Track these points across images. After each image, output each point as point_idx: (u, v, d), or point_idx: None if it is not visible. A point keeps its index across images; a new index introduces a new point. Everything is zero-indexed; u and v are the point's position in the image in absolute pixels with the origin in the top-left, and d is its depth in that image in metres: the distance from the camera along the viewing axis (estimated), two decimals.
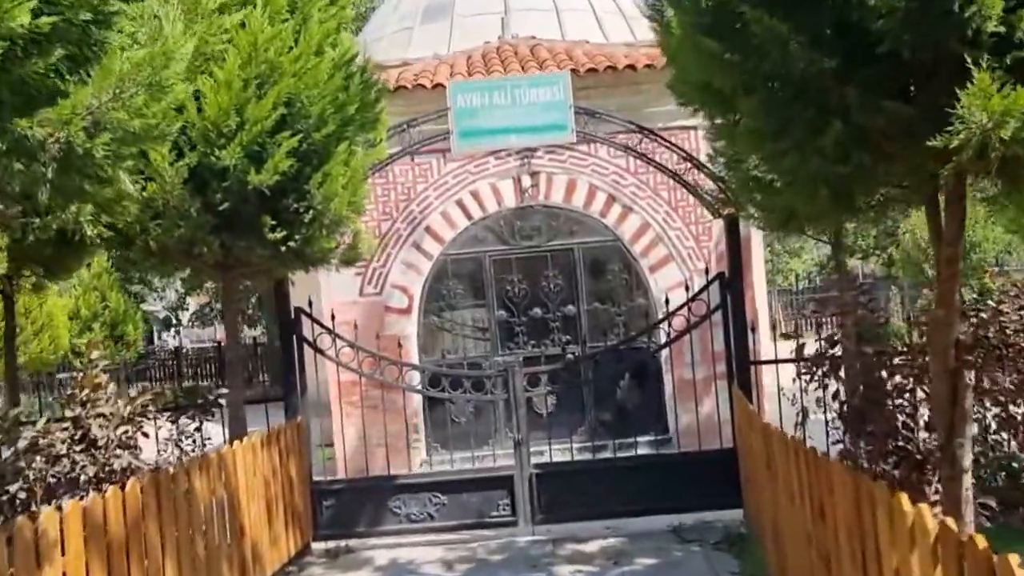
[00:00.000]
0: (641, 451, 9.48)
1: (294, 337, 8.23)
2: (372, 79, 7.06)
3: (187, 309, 23.83)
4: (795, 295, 26.95)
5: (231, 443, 6.82)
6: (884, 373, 7.00)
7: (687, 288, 8.74)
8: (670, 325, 8.28)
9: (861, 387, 6.91)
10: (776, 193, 5.04)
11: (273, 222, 6.67)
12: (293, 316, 8.20)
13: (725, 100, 4.61)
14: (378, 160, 7.60)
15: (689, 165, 8.33)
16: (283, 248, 6.70)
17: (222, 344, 22.44)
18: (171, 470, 5.64)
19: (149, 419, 6.95)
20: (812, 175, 4.10)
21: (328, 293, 11.59)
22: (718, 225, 11.46)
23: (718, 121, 5.26)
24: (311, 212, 6.63)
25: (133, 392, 9.10)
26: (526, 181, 11.52)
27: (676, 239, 11.57)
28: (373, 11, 20.26)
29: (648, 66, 11.17)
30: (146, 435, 6.88)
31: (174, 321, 22.77)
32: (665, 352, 10.18)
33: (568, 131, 7.93)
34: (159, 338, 27.36)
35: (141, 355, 20.49)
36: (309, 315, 8.42)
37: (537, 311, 11.62)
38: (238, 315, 7.49)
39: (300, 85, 6.44)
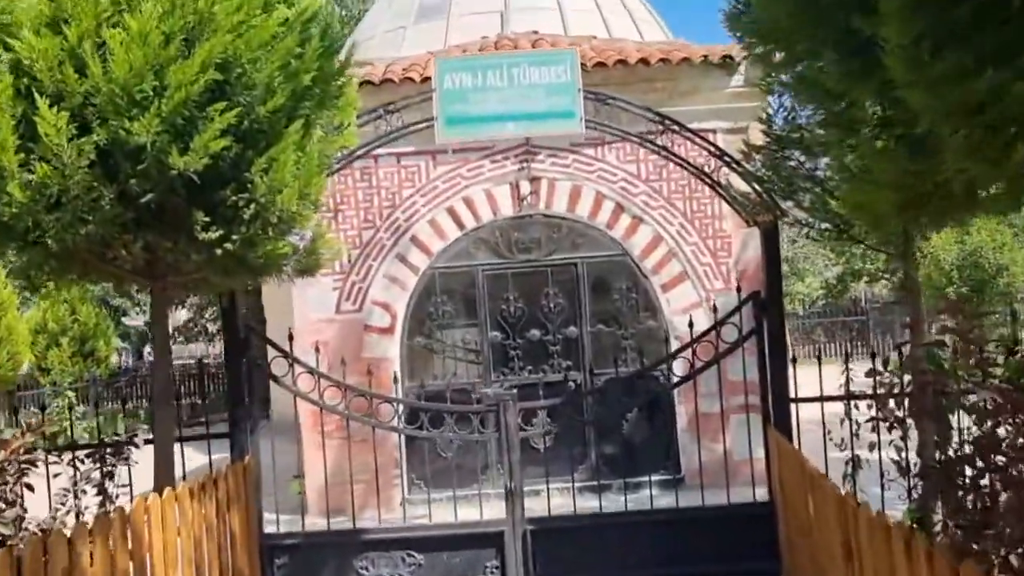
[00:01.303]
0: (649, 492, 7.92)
1: (244, 361, 6.66)
2: (336, 44, 5.55)
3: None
4: (803, 319, 25.42)
5: (159, 491, 5.30)
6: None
7: (715, 310, 7.18)
8: (694, 354, 6.73)
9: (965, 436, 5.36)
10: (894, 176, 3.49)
11: (206, 218, 5.16)
12: (243, 336, 6.65)
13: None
14: (346, 148, 6.07)
15: (714, 166, 6.80)
16: (219, 251, 5.19)
17: (202, 360, 20.93)
18: (48, 537, 4.10)
19: (37, 466, 5.38)
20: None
21: (302, 310, 10.07)
22: (738, 239, 10.00)
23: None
24: (253, 206, 5.11)
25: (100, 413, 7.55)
26: (525, 187, 10.03)
27: (692, 254, 10.06)
28: (366, 12, 18.86)
29: (663, 61, 9.71)
30: (30, 487, 5.31)
31: (151, 336, 21.23)
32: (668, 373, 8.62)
33: (576, 119, 6.43)
34: (147, 355, 25.78)
35: (114, 373, 18.90)
36: (261, 335, 6.89)
37: (535, 333, 10.09)
38: (168, 333, 5.93)
39: (240, 45, 4.94)
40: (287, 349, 6.81)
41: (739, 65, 9.89)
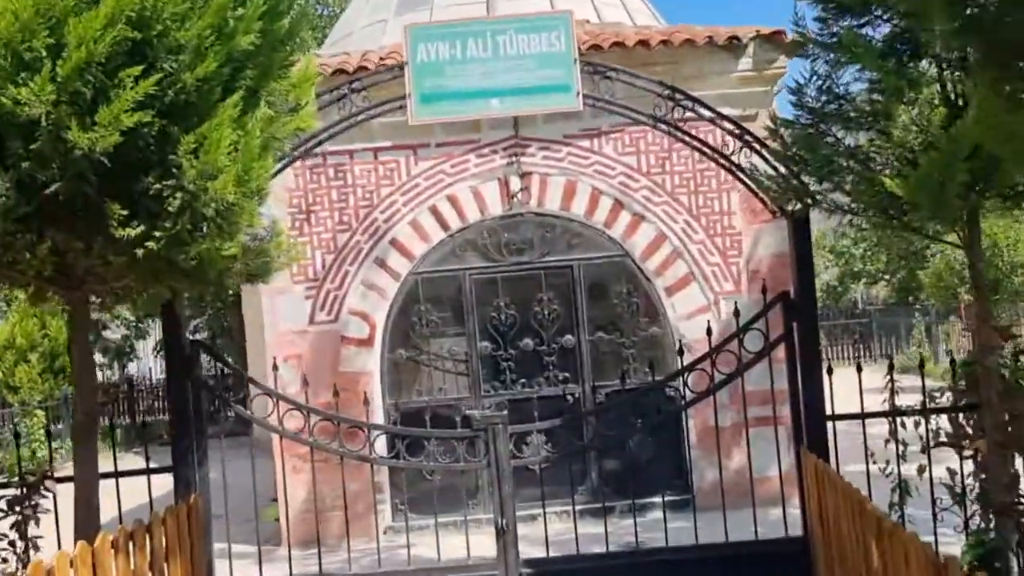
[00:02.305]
0: (657, 515, 6.89)
1: (190, 382, 5.60)
2: (285, 3, 4.51)
3: (146, 337, 21.14)
4: None
5: (89, 540, 4.26)
6: None
7: (737, 313, 6.12)
8: (713, 365, 5.69)
9: None
10: None
11: (124, 212, 4.13)
12: (188, 353, 5.59)
13: None
14: (303, 131, 5.02)
15: (732, 148, 5.78)
16: (140, 252, 4.16)
17: (131, 379, 19.79)
18: None
19: None
20: None
21: (273, 321, 9.03)
22: (749, 236, 9.01)
23: None
24: (180, 196, 4.08)
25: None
26: (515, 184, 9.00)
27: (698, 254, 9.03)
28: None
29: (664, 43, 8.70)
30: None
31: (127, 351, 20.07)
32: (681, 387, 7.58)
33: (572, 94, 5.42)
34: (131, 370, 24.63)
35: None
36: (211, 350, 5.83)
37: (528, 342, 9.05)
38: (90, 353, 4.89)
39: None
40: (264, 366, 5.75)
41: (747, 47, 8.90)
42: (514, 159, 9.00)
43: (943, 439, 5.30)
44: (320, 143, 5.67)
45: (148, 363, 23.41)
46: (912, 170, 4.25)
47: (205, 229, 4.25)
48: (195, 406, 5.56)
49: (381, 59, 8.83)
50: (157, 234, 4.12)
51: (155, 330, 22.05)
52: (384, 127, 8.85)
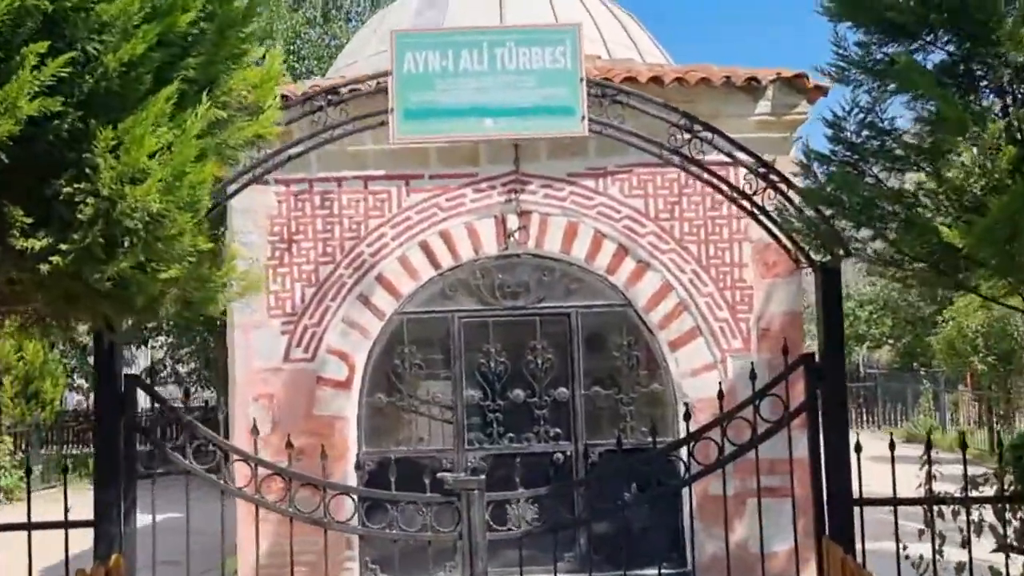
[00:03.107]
0: None
1: (122, 424, 4.77)
2: None
3: (131, 364, 20.29)
4: None
5: None
6: None
7: (753, 376, 5.29)
8: (724, 434, 4.86)
9: None
10: None
11: (28, 219, 3.37)
12: (123, 389, 4.77)
13: None
14: (262, 140, 4.26)
15: (755, 187, 5.00)
16: (45, 268, 3.38)
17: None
18: None
19: None
20: None
21: (245, 356, 8.22)
22: (760, 291, 8.23)
23: None
24: (93, 202, 3.31)
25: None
26: (513, 222, 8.23)
27: (706, 308, 8.23)
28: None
29: (678, 80, 7.99)
30: None
31: None
32: (685, 456, 6.71)
33: (576, 117, 4.68)
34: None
35: (58, 415, 16.85)
36: (148, 388, 5.03)
37: (519, 393, 8.22)
38: None
39: None
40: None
41: (766, 90, 8.18)
42: (513, 196, 8.25)
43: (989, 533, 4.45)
44: (290, 158, 4.94)
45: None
46: (977, 216, 3.47)
47: (126, 244, 3.47)
48: (126, 451, 4.74)
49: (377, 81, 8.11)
50: (64, 247, 3.34)
51: (143, 357, 21.25)
52: (377, 155, 8.14)
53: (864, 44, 4.31)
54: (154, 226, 3.45)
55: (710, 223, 8.29)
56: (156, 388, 22.95)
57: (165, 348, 19.29)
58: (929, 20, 3.77)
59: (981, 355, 14.33)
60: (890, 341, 22.78)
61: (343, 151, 8.11)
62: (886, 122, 4.24)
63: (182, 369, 19.05)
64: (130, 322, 4.64)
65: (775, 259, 8.18)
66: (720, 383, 5.99)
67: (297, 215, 8.24)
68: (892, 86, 4.02)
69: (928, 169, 3.97)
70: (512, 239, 8.20)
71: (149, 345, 18.95)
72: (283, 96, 4.97)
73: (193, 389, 21.00)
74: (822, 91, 8.20)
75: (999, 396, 15.21)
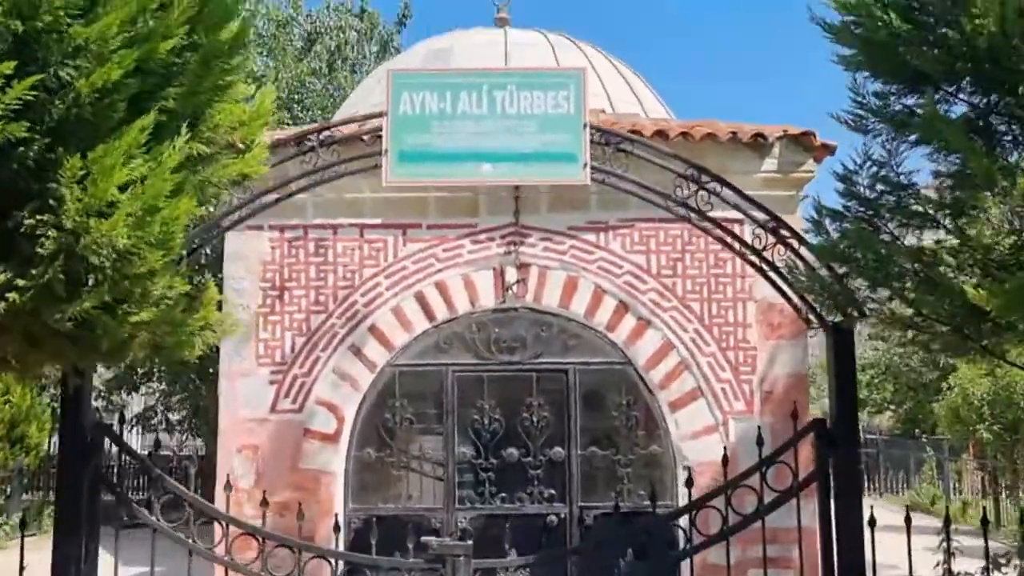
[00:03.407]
0: None
1: (87, 475, 4.45)
2: (233, 12, 3.57)
3: (118, 409, 19.84)
4: None
5: None
6: None
7: (760, 442, 4.99)
8: (728, 503, 4.54)
9: None
10: None
11: None
12: (90, 438, 4.47)
13: None
14: (246, 178, 4.02)
15: (766, 242, 4.76)
16: (1, 305, 3.11)
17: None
18: None
19: None
20: None
21: (230, 405, 7.93)
22: (764, 352, 7.94)
23: None
24: (55, 236, 3.05)
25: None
26: (511, 275, 7.98)
27: (708, 368, 7.94)
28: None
29: (684, 135, 7.80)
30: None
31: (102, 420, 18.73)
32: (684, 522, 6.36)
33: (578, 166, 4.45)
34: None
35: (43, 460, 16.37)
36: (117, 438, 4.71)
37: (513, 452, 7.88)
38: None
39: None
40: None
41: (773, 147, 7.99)
42: (512, 248, 8.01)
43: None
44: (278, 200, 4.72)
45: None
46: (1007, 276, 3.20)
47: (91, 282, 3.20)
48: (89, 504, 4.41)
49: (374, 128, 7.93)
50: (22, 283, 3.08)
51: (134, 402, 20.83)
52: (374, 203, 7.94)
53: (882, 95, 4.10)
54: (122, 264, 3.19)
55: (713, 281, 8.04)
56: (149, 434, 22.53)
57: (157, 394, 18.90)
58: (955, 69, 3.55)
59: (986, 423, 13.98)
60: (892, 407, 22.38)
61: (340, 198, 7.91)
62: (902, 176, 4.00)
63: (173, 416, 18.64)
64: (110, 367, 4.36)
65: (779, 320, 7.93)
66: (726, 450, 5.62)
67: (290, 262, 8.00)
68: (912, 137, 3.80)
69: (950, 226, 3.72)
70: (510, 292, 7.95)
71: (141, 391, 18.55)
72: (277, 140, 4.75)
73: (184, 437, 20.60)
74: (829, 150, 8.02)
75: (1004, 466, 14.83)
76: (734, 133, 7.90)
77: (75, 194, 3.03)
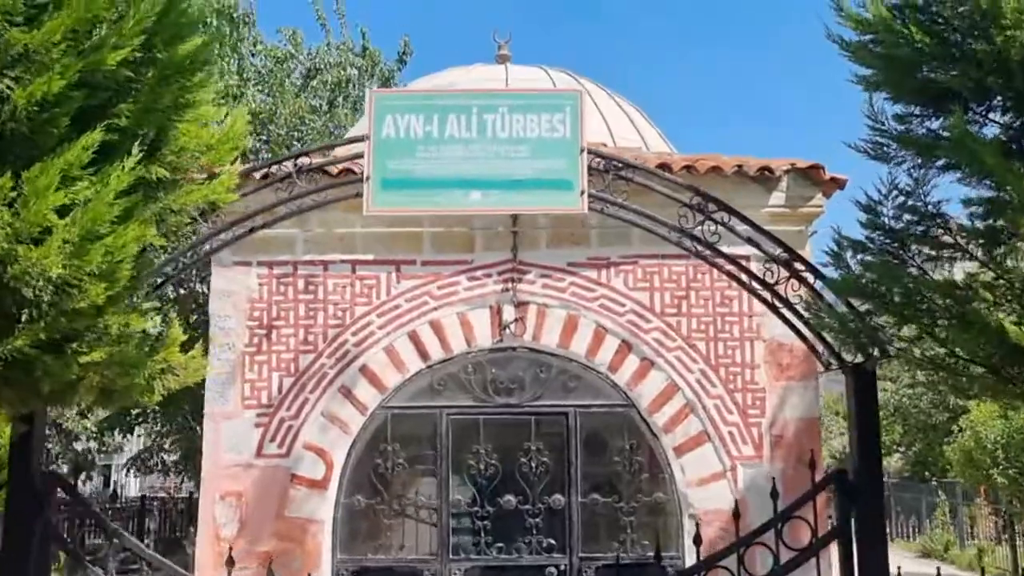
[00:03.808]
0: None
1: (38, 527, 4.05)
2: (192, 25, 3.23)
3: (114, 451, 19.43)
4: None
5: None
6: None
7: (775, 494, 4.56)
8: (741, 562, 4.12)
9: None
10: None
11: None
12: (39, 487, 4.07)
13: None
14: (213, 206, 3.66)
15: (778, 276, 4.38)
16: None
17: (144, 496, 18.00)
18: None
19: None
20: None
21: (213, 449, 7.52)
22: (774, 394, 7.54)
23: None
24: None
25: None
26: (508, 313, 7.61)
27: (715, 411, 7.52)
28: None
29: (687, 168, 7.47)
30: None
31: (87, 464, 18.28)
32: None
33: (575, 193, 4.10)
34: (111, 483, 22.82)
35: None
36: (70, 488, 4.31)
37: (510, 499, 7.45)
38: None
39: None
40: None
41: (780, 181, 7.65)
42: (510, 285, 7.64)
43: None
44: (252, 230, 4.33)
45: (120, 479, 21.61)
46: None
47: (23, 318, 2.84)
48: (39, 560, 4.00)
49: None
50: None
51: (133, 442, 20.40)
52: (366, 238, 7.61)
53: (904, 117, 3.76)
54: (60, 297, 2.82)
55: (719, 320, 7.66)
56: (144, 476, 22.04)
57: (152, 435, 18.46)
58: (986, 84, 3.20)
59: (1000, 467, 13.48)
60: (901, 448, 21.83)
61: (331, 233, 7.59)
62: (930, 205, 3.64)
63: (169, 458, 18.19)
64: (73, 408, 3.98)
65: (789, 360, 7.53)
66: (737, 504, 5.20)
67: (279, 299, 7.64)
68: (940, 162, 3.43)
69: (984, 257, 3.35)
70: (508, 331, 7.57)
71: (136, 433, 18.11)
72: (251, 167, 4.41)
73: (180, 479, 20.11)
74: (838, 183, 7.68)
75: (1020, 511, 14.30)
76: (739, 166, 7.57)
77: (4, 218, 2.68)
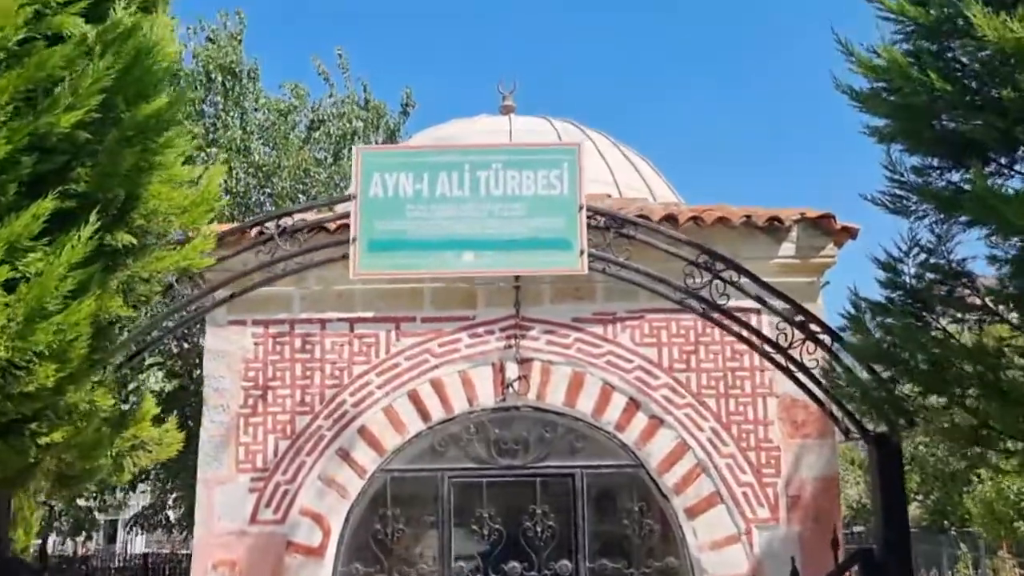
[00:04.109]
0: None
1: None
2: (160, 77, 3.01)
3: (118, 507, 19.05)
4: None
5: None
6: None
7: (795, 572, 4.23)
8: None
9: None
10: None
11: None
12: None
13: None
14: (184, 272, 3.41)
15: (792, 338, 4.10)
16: None
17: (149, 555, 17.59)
18: None
19: None
20: None
21: (207, 516, 7.20)
22: (789, 453, 7.21)
23: None
24: None
25: None
26: (512, 371, 7.32)
27: (727, 471, 7.18)
28: None
29: (694, 220, 7.22)
30: None
31: (86, 524, 17.88)
32: None
33: (574, 253, 3.87)
34: (110, 539, 22.39)
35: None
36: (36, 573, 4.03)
37: (515, 566, 7.09)
38: None
39: None
40: None
41: (790, 231, 7.39)
42: (513, 342, 7.36)
43: None
44: (232, 296, 4.07)
45: (123, 537, 21.21)
46: None
47: None
48: None
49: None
50: None
51: (135, 500, 20.04)
52: (365, 295, 7.36)
53: (922, 170, 3.49)
54: (6, 380, 2.56)
55: (730, 375, 7.35)
56: (150, 533, 21.60)
57: (156, 492, 18.11)
58: (1012, 135, 2.94)
59: None
60: (918, 497, 21.29)
61: (328, 290, 7.35)
62: (954, 263, 3.36)
63: (172, 515, 17.82)
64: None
65: (804, 417, 7.21)
66: (750, 564, 4.86)
67: (275, 359, 7.37)
68: (963, 218, 3.16)
69: (1016, 320, 3.06)
70: (511, 390, 7.28)
71: (139, 489, 17.78)
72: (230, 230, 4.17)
73: (183, 536, 19.68)
74: (850, 233, 7.42)
75: None
76: (748, 217, 7.32)
77: None
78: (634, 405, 7.28)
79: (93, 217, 2.76)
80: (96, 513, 17.89)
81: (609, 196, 8.76)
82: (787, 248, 7.42)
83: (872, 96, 3.52)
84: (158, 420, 3.58)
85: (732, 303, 5.03)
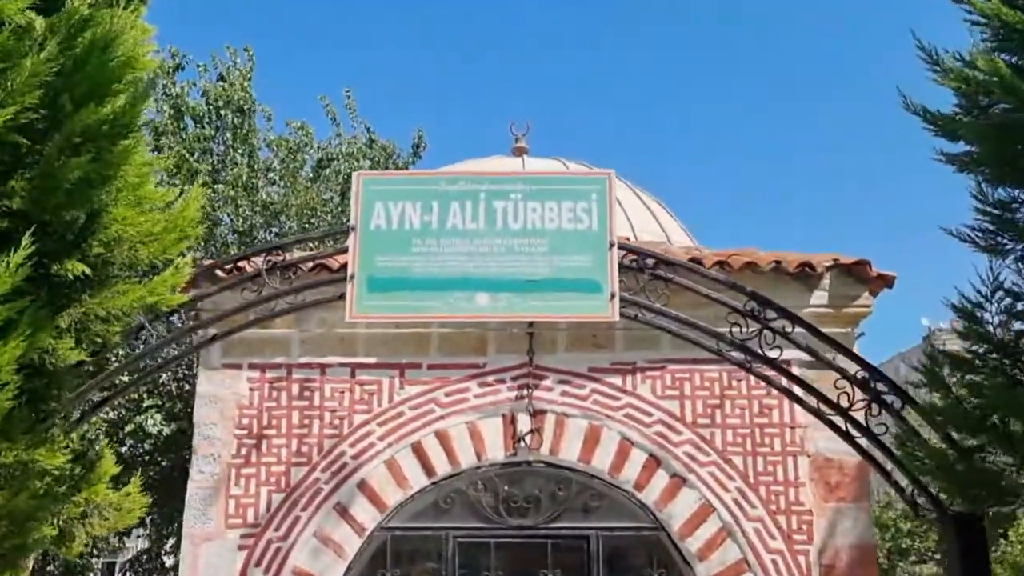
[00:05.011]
0: None
1: None
2: (111, 39, 2.50)
3: (114, 551, 18.32)
4: None
5: None
6: None
7: None
8: None
9: None
10: None
11: None
12: None
13: None
14: (156, 307, 2.88)
15: (854, 398, 3.53)
16: None
17: None
18: None
19: None
20: None
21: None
22: (823, 518, 6.59)
23: None
24: None
25: None
26: (523, 423, 6.74)
27: (755, 536, 6.55)
28: None
29: (720, 265, 6.68)
30: None
31: (80, 569, 17.12)
32: None
33: (603, 297, 3.31)
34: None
35: None
36: None
37: None
38: None
39: None
40: None
41: (822, 278, 6.85)
42: (525, 392, 6.79)
43: None
44: (215, 338, 3.54)
45: None
46: None
47: None
48: None
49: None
50: None
51: (133, 544, 19.26)
52: (368, 339, 6.83)
53: (1009, 204, 2.95)
54: None
55: (758, 431, 6.76)
56: None
57: (152, 537, 17.38)
58: None
59: None
60: (936, 556, 20.36)
61: (330, 333, 6.81)
62: None
63: (168, 561, 17.06)
64: None
65: (839, 479, 6.61)
66: None
67: (271, 406, 6.82)
68: None
69: None
70: (522, 443, 6.69)
71: (134, 534, 17.05)
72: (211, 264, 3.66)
73: None
74: (886, 281, 6.87)
75: None
76: (778, 262, 6.78)
77: None
78: (654, 462, 6.68)
79: (26, 240, 2.24)
80: (92, 558, 17.15)
81: (627, 239, 8.25)
82: (819, 296, 6.87)
83: (951, 120, 3.00)
84: (118, 481, 3.04)
85: (769, 352, 4.45)
